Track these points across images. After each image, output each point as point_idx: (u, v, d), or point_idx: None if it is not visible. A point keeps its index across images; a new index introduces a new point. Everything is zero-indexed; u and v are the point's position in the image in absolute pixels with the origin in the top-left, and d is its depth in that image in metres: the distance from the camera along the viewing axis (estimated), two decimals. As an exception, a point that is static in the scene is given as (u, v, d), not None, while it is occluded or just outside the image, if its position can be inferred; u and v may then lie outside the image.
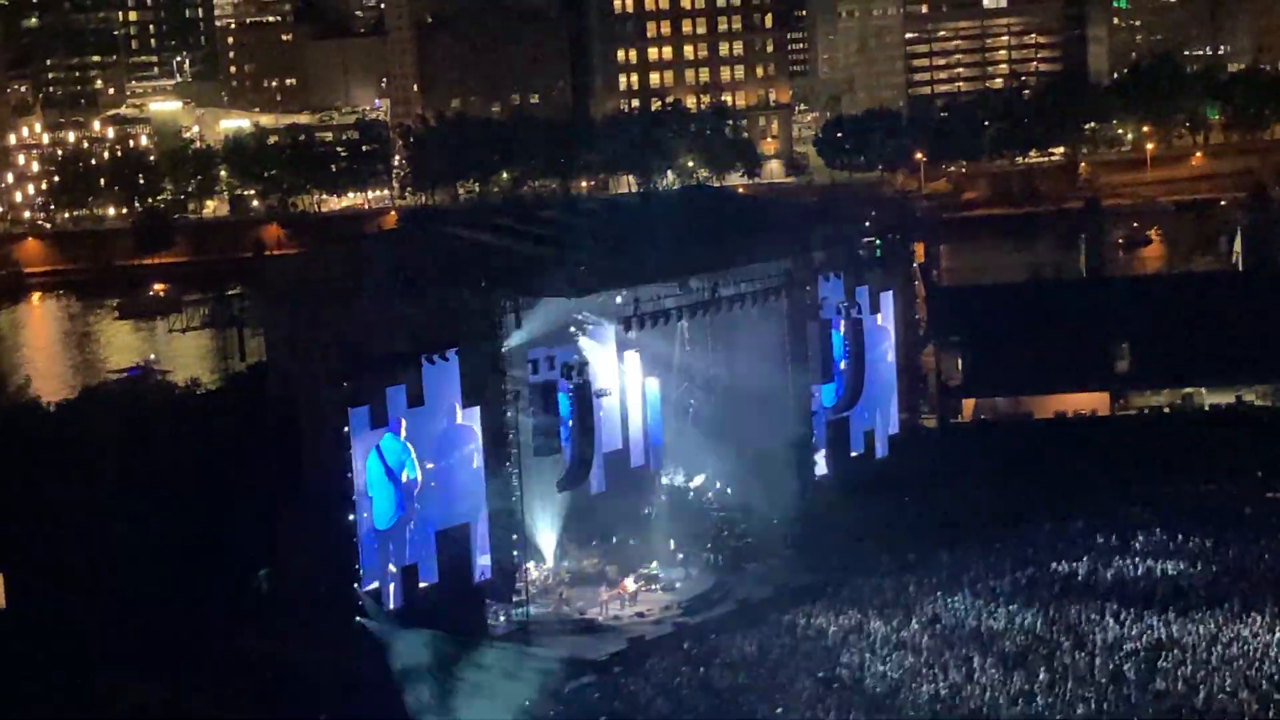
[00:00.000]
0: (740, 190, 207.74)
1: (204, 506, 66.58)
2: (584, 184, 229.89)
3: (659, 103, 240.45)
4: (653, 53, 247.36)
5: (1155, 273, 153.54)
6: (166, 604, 62.61)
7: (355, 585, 62.64)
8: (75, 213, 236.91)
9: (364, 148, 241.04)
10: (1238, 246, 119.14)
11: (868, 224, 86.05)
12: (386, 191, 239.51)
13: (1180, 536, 72.30)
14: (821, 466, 78.87)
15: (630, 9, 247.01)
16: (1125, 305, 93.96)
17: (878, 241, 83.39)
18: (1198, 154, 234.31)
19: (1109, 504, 77.75)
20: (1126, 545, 71.70)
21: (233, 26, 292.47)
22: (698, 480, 76.49)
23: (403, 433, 64.81)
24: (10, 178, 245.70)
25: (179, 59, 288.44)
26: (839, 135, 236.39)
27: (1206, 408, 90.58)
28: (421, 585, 65.26)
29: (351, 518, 62.44)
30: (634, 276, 70.83)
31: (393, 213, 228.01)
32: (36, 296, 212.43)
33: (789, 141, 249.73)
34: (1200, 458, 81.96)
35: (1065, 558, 70.54)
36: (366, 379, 62.50)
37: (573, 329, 72.28)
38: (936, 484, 78.99)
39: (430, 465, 66.23)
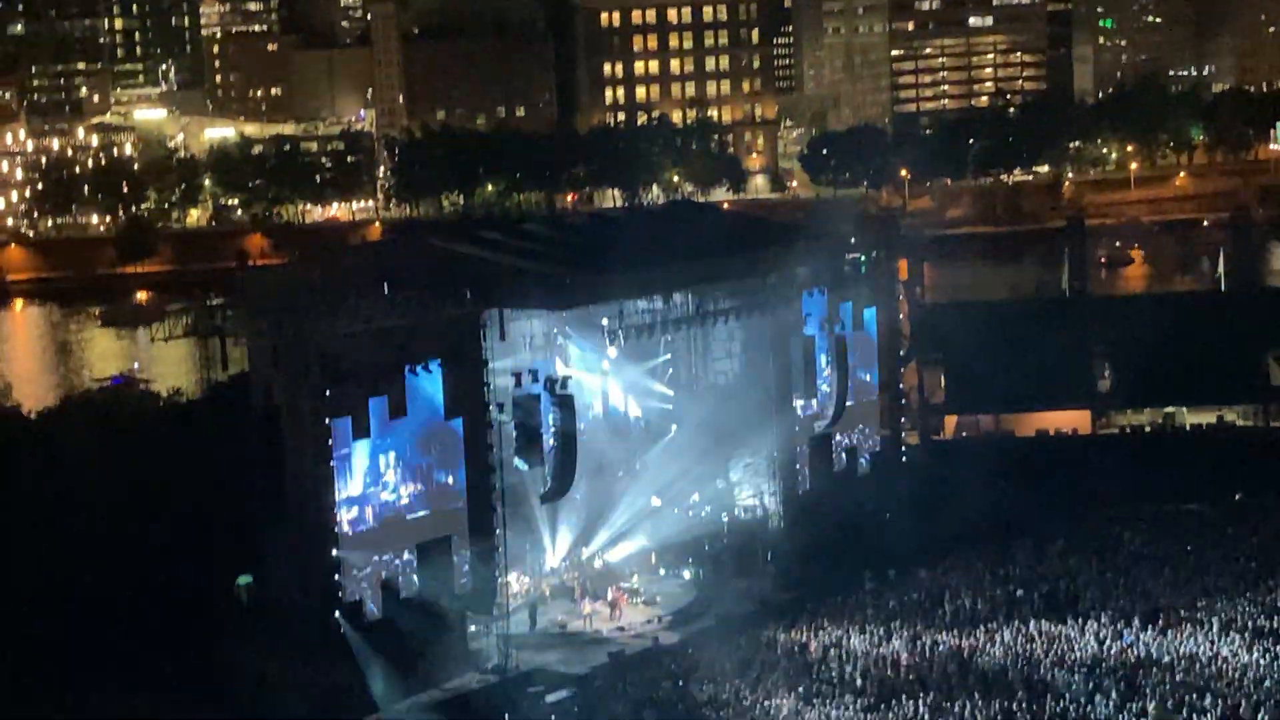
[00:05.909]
0: (725, 205, 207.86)
1: (185, 516, 66.44)
2: (569, 197, 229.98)
3: (645, 117, 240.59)
4: (639, 67, 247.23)
5: (1138, 292, 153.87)
6: (146, 614, 62.46)
7: (337, 596, 62.58)
8: (59, 220, 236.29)
9: (349, 159, 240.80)
10: (1220, 267, 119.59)
11: (852, 240, 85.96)
12: (371, 203, 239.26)
13: (1160, 556, 72.56)
14: (804, 482, 78.82)
15: (617, 23, 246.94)
16: (1107, 324, 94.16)
17: (862, 258, 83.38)
18: (1181, 174, 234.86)
19: (1090, 522, 78.02)
20: (1107, 564, 71.91)
21: (218, 36, 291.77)
22: (682, 495, 76.52)
23: (386, 444, 64.83)
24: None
25: (164, 67, 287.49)
26: (824, 151, 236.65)
27: (1188, 427, 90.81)
28: (402, 597, 65.14)
29: (333, 529, 62.42)
30: (618, 290, 70.81)
31: (377, 224, 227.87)
32: (19, 303, 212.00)
33: (774, 157, 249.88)
34: (1181, 477, 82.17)
35: (1045, 576, 70.75)
36: (349, 390, 62.41)
37: (556, 342, 72.28)
38: (918, 501, 79.09)
39: (412, 477, 66.32)
